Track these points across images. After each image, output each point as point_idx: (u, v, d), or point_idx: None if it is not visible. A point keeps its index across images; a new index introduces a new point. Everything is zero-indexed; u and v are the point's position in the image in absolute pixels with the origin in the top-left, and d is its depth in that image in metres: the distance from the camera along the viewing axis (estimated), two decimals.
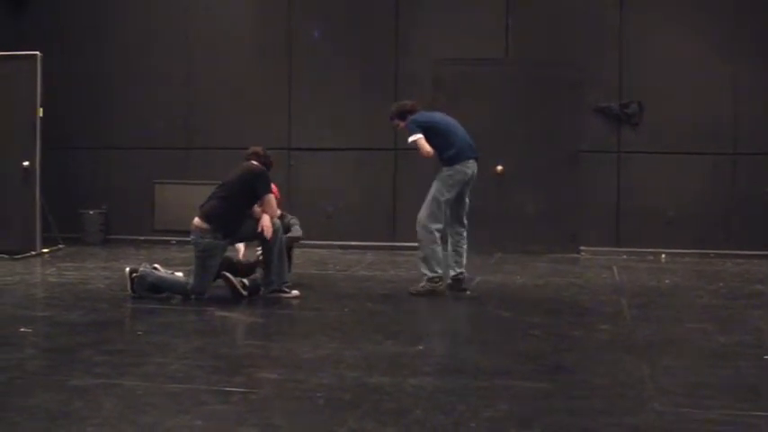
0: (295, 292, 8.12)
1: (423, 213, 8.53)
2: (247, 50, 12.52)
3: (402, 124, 8.77)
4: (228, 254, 8.49)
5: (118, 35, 12.71)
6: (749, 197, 11.51)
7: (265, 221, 7.92)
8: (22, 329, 6.65)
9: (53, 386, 5.02)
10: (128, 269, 8.10)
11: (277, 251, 8.02)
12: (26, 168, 10.92)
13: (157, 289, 8.05)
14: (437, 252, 8.44)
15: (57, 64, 11.60)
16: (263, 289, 8.14)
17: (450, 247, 8.63)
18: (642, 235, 11.65)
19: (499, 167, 11.75)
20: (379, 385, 5.10)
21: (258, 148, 8.37)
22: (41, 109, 10.88)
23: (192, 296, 7.92)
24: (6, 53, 11.16)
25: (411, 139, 8.57)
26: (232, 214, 7.96)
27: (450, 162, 8.55)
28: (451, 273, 8.60)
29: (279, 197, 8.86)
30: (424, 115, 8.78)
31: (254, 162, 8.20)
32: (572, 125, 11.71)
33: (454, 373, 5.47)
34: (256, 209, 8.08)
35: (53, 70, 11.31)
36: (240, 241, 8.62)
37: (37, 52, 10.87)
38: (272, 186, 8.32)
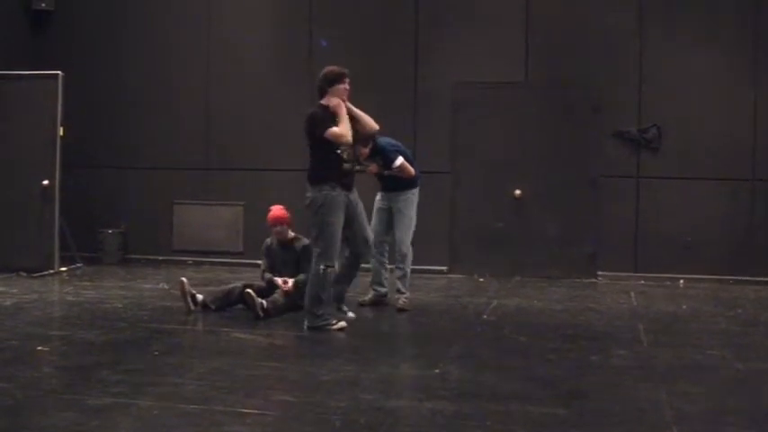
0: (351, 314, 8.18)
1: (404, 235, 8.98)
2: (268, 71, 12.55)
3: (366, 151, 8.65)
4: (258, 282, 8.62)
5: (138, 55, 12.79)
6: None
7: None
8: (38, 348, 6.69)
9: (69, 405, 5.03)
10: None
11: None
12: (46, 187, 10.99)
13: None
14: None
15: (78, 83, 11.68)
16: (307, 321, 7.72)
17: (377, 265, 9.01)
18: (660, 260, 11.57)
19: (517, 191, 11.73)
20: (396, 408, 5.09)
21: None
22: (62, 128, 10.97)
23: (325, 268, 7.58)
24: (28, 72, 11.28)
25: (398, 162, 8.79)
26: (321, 163, 7.83)
27: (415, 184, 9.04)
28: (381, 290, 9.02)
29: (289, 219, 8.78)
30: (389, 139, 8.99)
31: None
32: (591, 149, 11.67)
33: (471, 398, 5.45)
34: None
35: (74, 90, 11.40)
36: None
37: (58, 71, 10.98)
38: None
